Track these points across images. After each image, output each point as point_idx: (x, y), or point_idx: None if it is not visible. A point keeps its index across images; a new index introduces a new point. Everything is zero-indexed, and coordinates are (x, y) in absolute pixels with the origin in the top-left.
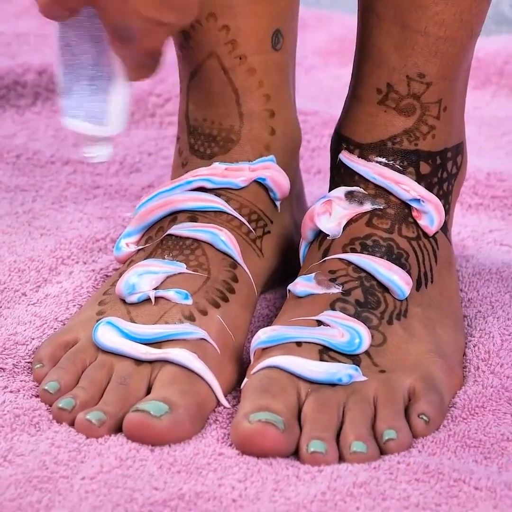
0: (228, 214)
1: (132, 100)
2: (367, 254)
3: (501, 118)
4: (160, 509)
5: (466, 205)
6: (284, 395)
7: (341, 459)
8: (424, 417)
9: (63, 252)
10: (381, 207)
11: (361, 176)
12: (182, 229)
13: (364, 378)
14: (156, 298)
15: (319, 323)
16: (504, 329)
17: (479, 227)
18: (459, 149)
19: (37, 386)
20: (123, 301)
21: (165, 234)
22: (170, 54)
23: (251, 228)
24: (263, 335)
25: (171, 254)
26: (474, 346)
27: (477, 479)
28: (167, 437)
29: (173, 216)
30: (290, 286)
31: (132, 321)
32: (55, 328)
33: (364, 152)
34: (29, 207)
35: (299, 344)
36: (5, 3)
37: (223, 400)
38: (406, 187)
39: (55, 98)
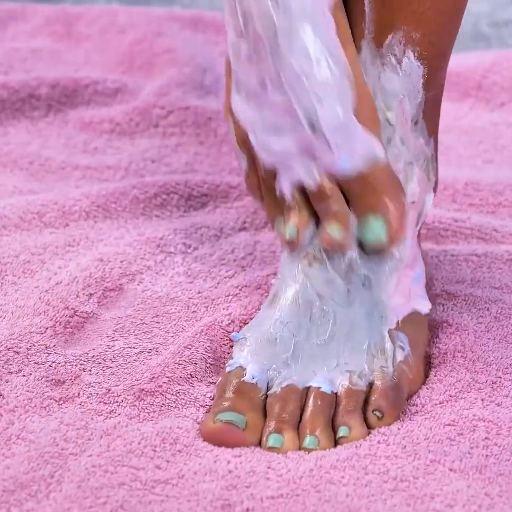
0: None
1: (137, 112)
2: None
3: (478, 128)
4: (163, 486)
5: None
6: (253, 392)
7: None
8: (377, 413)
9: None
10: None
11: None
12: None
13: None
14: None
15: None
16: (476, 325)
17: None
18: None
19: (47, 369)
20: None
21: None
22: (173, 71)
23: None
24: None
25: None
26: (449, 340)
27: (451, 461)
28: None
29: None
30: None
31: None
32: (65, 315)
33: None
34: None
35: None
36: (21, 23)
37: None
38: None
39: (66, 110)
